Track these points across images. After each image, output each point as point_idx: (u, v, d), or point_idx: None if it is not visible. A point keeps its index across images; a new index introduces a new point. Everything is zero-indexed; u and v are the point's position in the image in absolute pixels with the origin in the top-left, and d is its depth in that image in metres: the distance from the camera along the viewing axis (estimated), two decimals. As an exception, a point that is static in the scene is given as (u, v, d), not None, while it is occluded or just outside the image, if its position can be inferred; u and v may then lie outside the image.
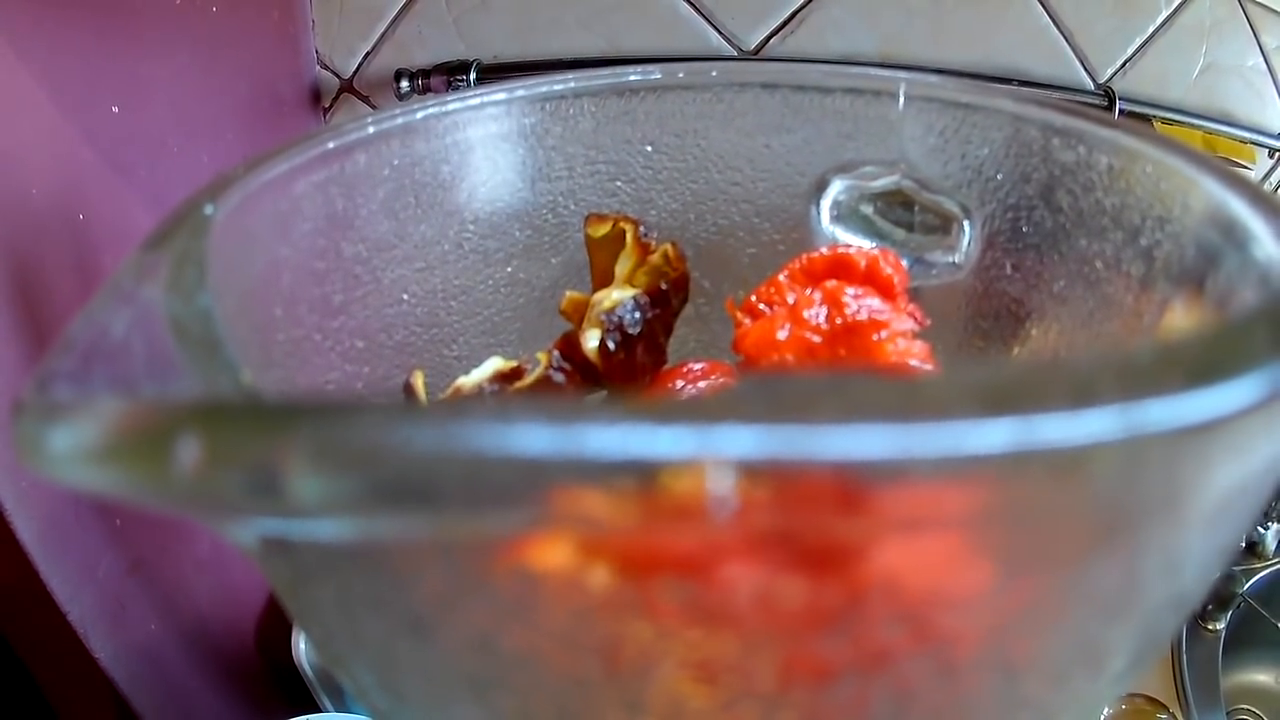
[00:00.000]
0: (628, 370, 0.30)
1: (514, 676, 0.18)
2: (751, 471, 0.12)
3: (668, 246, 0.32)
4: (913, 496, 0.12)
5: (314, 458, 0.12)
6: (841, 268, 0.31)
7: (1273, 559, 0.86)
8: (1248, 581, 0.84)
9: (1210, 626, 0.81)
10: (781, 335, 0.29)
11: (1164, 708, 0.75)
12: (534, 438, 0.12)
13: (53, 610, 0.56)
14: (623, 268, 0.33)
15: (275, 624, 0.76)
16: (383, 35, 0.82)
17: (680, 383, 0.31)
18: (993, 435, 0.12)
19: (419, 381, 0.30)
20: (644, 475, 0.12)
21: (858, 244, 0.37)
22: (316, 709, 0.70)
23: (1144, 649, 0.20)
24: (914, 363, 0.28)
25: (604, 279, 0.33)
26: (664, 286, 0.32)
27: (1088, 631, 0.18)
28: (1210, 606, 0.82)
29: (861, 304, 0.29)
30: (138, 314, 0.18)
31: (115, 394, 0.15)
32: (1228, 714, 0.80)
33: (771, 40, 0.78)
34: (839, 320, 0.29)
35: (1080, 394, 0.12)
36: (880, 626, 0.16)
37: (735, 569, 0.14)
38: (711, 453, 0.12)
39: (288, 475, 0.12)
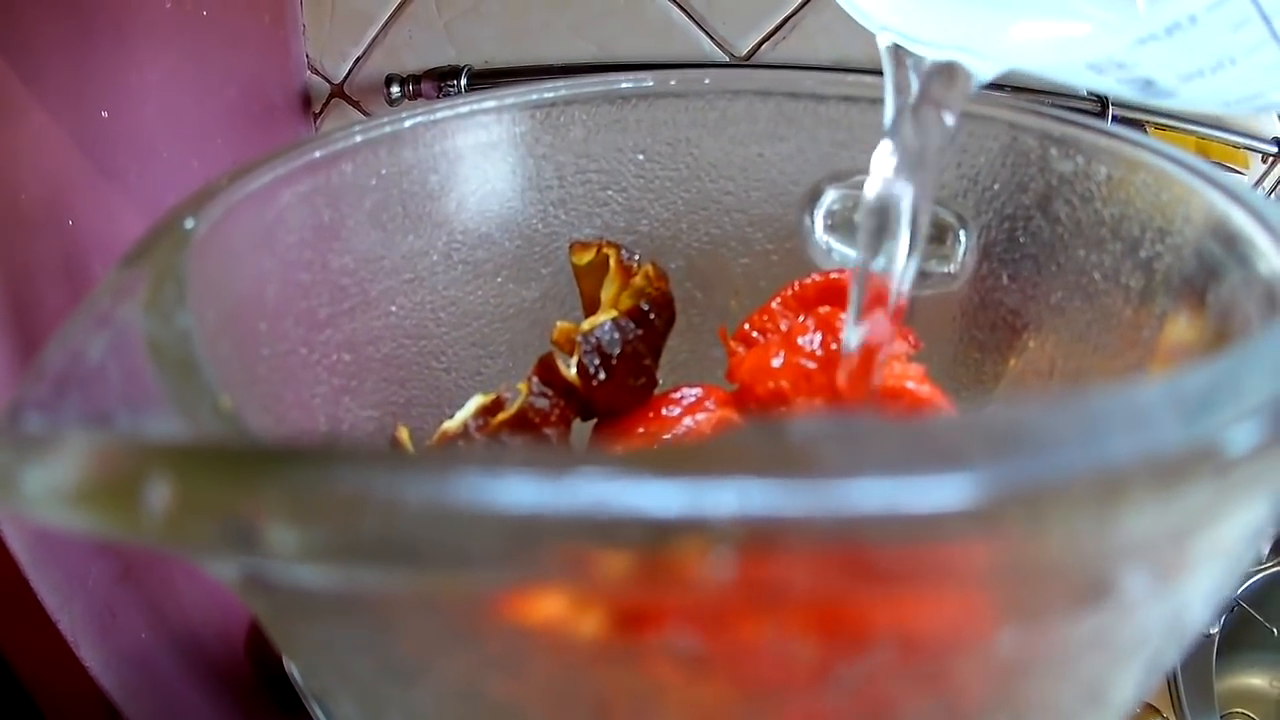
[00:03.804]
0: (613, 394, 0.30)
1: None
2: (752, 529, 0.11)
3: (648, 267, 0.32)
4: (922, 550, 0.12)
5: (290, 509, 0.12)
6: (833, 293, 0.31)
7: (1267, 563, 0.86)
8: (1241, 585, 0.84)
9: (1204, 630, 0.81)
10: (776, 363, 0.29)
11: (1158, 712, 0.74)
12: (522, 492, 0.11)
13: (42, 618, 0.56)
14: (608, 293, 0.32)
15: (265, 632, 0.76)
16: (373, 40, 0.82)
17: (676, 410, 0.30)
18: (1003, 482, 0.11)
19: (405, 435, 0.30)
20: (638, 533, 0.11)
21: (852, 253, 0.37)
22: (307, 717, 0.70)
23: (1147, 681, 0.19)
24: (910, 385, 0.27)
25: (594, 306, 0.33)
26: (645, 306, 0.31)
27: (1095, 673, 0.18)
28: (1205, 611, 0.81)
29: None
30: (114, 336, 0.18)
31: (87, 427, 0.15)
32: (1222, 718, 0.80)
33: (764, 46, 0.77)
34: (834, 345, 0.29)
35: (1088, 440, 0.12)
36: (885, 680, 0.15)
37: (734, 626, 0.14)
38: (710, 510, 0.11)
39: (263, 525, 0.12)
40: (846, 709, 0.16)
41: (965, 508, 0.11)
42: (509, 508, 0.11)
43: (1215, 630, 0.81)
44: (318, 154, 0.30)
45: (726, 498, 0.11)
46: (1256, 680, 0.90)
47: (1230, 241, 0.24)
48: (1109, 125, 0.31)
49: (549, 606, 0.14)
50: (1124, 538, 0.13)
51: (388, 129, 0.32)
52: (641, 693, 0.15)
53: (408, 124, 0.33)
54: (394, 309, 0.33)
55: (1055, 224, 0.32)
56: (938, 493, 0.11)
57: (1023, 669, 0.17)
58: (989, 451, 0.11)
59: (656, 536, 0.11)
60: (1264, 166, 0.83)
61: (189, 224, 0.22)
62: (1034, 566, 0.13)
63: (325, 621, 0.17)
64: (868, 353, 0.28)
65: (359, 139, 0.31)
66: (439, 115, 0.34)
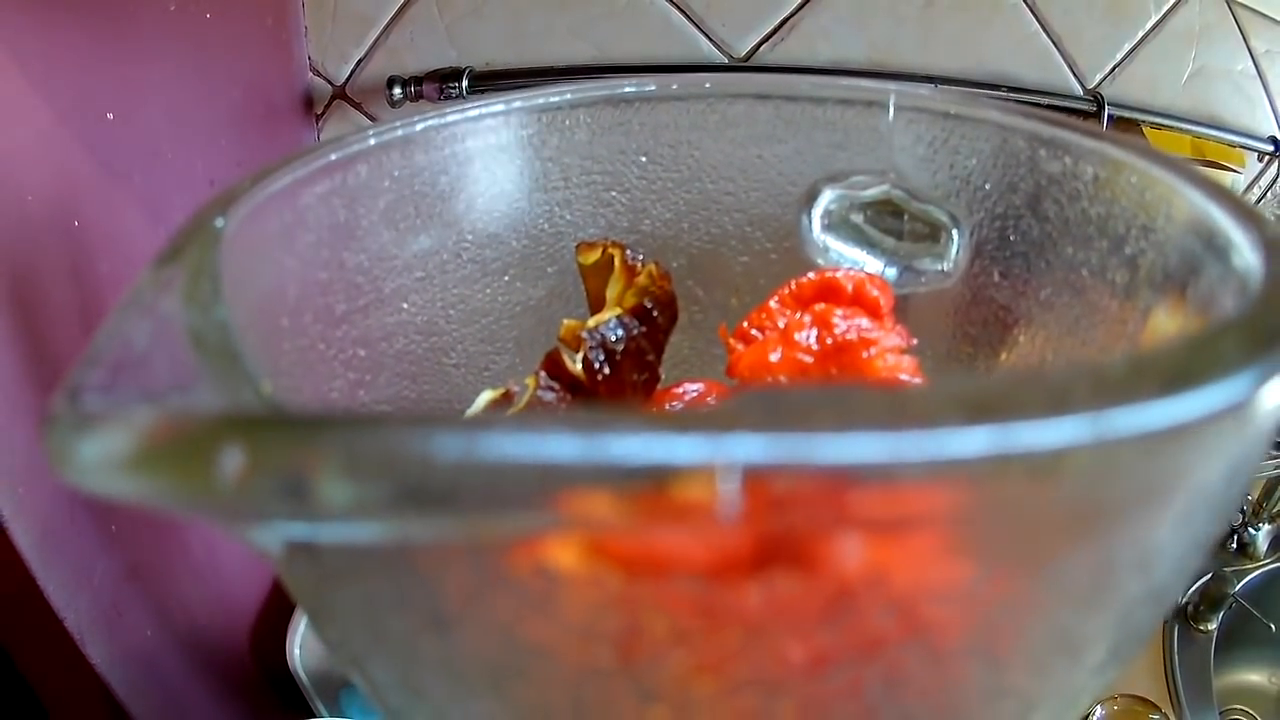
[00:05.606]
0: (617, 387, 0.31)
1: (532, 668, 0.18)
2: (755, 475, 0.13)
3: (651, 266, 0.33)
4: (901, 497, 0.13)
5: (345, 464, 0.13)
6: (829, 291, 0.32)
7: (1265, 559, 0.86)
8: (1239, 582, 0.84)
9: (1202, 627, 0.82)
10: (774, 358, 0.30)
11: (1156, 708, 0.75)
12: (555, 445, 0.13)
13: (49, 615, 0.56)
14: (613, 291, 0.33)
15: (270, 628, 0.76)
16: (375, 42, 0.82)
17: (678, 404, 0.31)
18: (974, 441, 0.13)
19: None
20: (658, 480, 0.13)
21: (849, 252, 0.37)
22: (311, 713, 0.71)
23: (1122, 641, 0.20)
24: (904, 377, 0.28)
25: (599, 303, 0.34)
26: (648, 304, 0.32)
27: (1065, 622, 0.19)
28: (1202, 607, 0.82)
29: (850, 324, 0.30)
30: (158, 326, 0.19)
31: (146, 404, 0.16)
32: (1220, 714, 0.80)
33: (762, 47, 0.78)
34: (829, 340, 0.30)
35: (1055, 402, 0.13)
36: (871, 617, 0.16)
37: (739, 566, 0.15)
38: (721, 459, 0.12)
39: (320, 481, 0.13)
40: (840, 645, 0.17)
41: (937, 462, 0.13)
42: (542, 457, 0.13)
43: (1214, 627, 0.82)
44: (334, 156, 0.31)
45: (735, 448, 0.13)
46: (1255, 676, 0.90)
47: (1209, 238, 0.25)
48: (1095, 127, 0.31)
49: (578, 552, 0.15)
50: (1080, 494, 0.14)
51: (400, 132, 0.33)
52: (660, 632, 0.16)
53: (419, 127, 0.34)
54: (406, 306, 0.34)
55: (1044, 222, 0.32)
56: (912, 447, 0.13)
57: (994, 611, 0.18)
58: (960, 414, 0.13)
59: (673, 480, 0.13)
60: (1259, 165, 0.84)
61: (219, 223, 0.23)
62: (999, 513, 0.14)
63: (368, 579, 0.18)
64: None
65: (373, 142, 0.32)
66: (449, 119, 0.35)
